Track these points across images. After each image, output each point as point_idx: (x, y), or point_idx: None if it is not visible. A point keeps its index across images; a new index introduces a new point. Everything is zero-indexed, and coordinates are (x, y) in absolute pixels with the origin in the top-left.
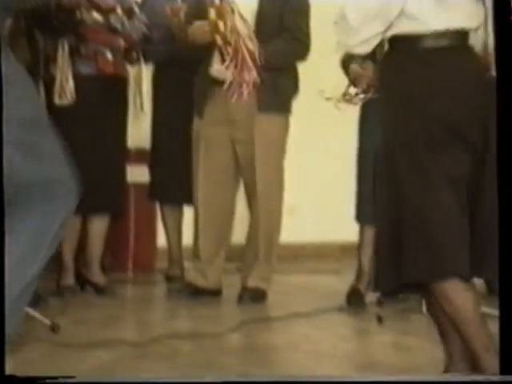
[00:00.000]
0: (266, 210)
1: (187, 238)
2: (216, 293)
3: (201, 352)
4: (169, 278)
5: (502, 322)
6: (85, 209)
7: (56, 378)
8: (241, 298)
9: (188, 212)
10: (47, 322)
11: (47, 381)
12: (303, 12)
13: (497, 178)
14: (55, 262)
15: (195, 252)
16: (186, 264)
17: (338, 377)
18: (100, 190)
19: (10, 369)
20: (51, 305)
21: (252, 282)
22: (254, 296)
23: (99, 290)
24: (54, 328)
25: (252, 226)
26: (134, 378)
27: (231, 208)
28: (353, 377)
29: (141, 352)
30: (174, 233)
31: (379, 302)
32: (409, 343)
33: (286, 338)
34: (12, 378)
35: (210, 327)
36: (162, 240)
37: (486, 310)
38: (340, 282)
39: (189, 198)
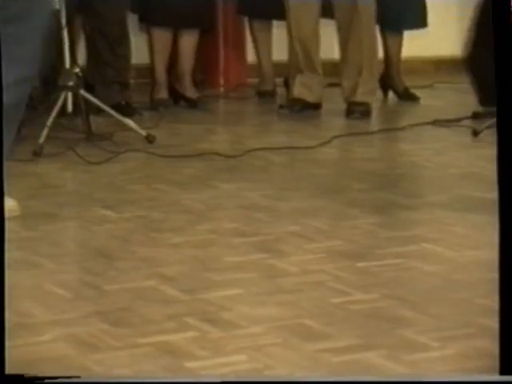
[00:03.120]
0: (368, 24)
1: (277, 55)
2: (317, 107)
3: (294, 164)
4: (261, 94)
5: (502, 322)
6: (175, 23)
7: (56, 377)
8: (349, 113)
9: (276, 28)
10: (143, 133)
11: (46, 381)
12: None
13: None
14: (149, 77)
15: (297, 67)
16: (278, 80)
17: (338, 377)
18: (189, 4)
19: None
20: (146, 118)
21: (360, 97)
22: (363, 110)
23: (192, 105)
24: (149, 139)
25: (352, 41)
26: (134, 378)
27: (316, 24)
28: (354, 377)
29: (234, 163)
30: (264, 48)
31: (474, 116)
32: None
33: (380, 152)
34: (12, 377)
35: (304, 141)
36: (252, 56)
37: None
38: (432, 98)
39: (278, 14)
